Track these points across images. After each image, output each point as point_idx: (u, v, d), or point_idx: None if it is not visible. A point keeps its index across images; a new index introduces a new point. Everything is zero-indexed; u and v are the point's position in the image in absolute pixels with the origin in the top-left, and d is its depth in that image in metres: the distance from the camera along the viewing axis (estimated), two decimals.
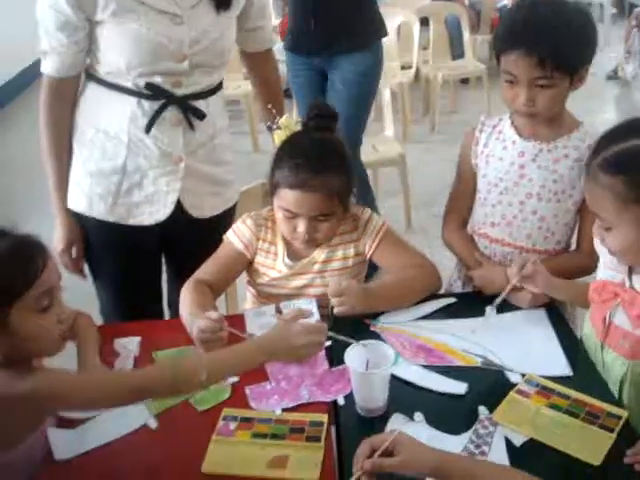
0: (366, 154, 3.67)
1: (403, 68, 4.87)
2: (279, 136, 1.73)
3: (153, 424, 1.42)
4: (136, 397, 1.33)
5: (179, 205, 1.88)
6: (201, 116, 1.83)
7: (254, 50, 2.05)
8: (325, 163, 1.65)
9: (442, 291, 1.84)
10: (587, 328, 1.56)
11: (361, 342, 1.43)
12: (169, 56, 1.74)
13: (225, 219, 1.97)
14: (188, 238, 1.93)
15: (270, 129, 1.80)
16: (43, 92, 1.82)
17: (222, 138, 1.94)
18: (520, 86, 1.62)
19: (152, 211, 1.86)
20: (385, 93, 3.71)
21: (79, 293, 1.62)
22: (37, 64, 1.82)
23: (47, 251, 1.32)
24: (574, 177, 1.70)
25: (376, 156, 3.66)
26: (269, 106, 1.87)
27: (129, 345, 1.65)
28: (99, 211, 1.86)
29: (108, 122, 1.81)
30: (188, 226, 1.91)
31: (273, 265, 1.79)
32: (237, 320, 1.67)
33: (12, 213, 3.18)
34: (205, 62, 1.80)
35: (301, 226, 1.67)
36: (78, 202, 1.88)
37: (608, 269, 1.49)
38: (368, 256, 1.79)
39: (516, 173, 1.75)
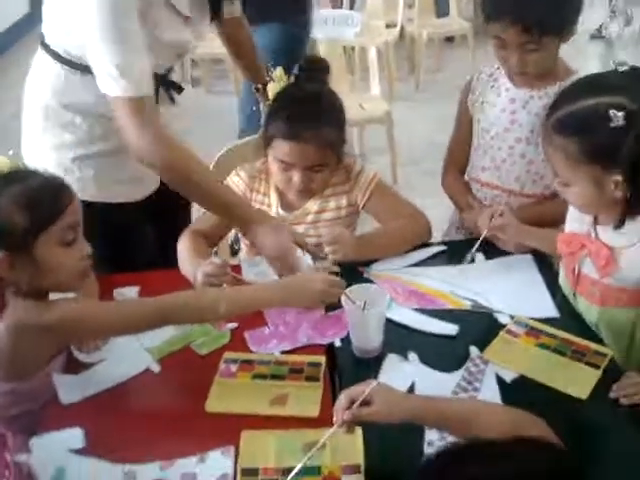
0: (353, 112, 3.70)
1: (388, 27, 4.86)
2: (273, 89, 1.75)
3: (156, 368, 1.46)
4: (158, 321, 1.39)
5: None
6: (180, 89, 1.86)
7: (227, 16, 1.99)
8: (319, 114, 1.68)
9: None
10: (562, 277, 1.61)
11: (357, 285, 1.48)
12: (177, 56, 1.80)
13: None
14: (178, 202, 1.88)
15: (257, 90, 1.82)
16: (152, 115, 1.60)
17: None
18: (510, 50, 1.66)
19: (143, 186, 1.88)
20: (371, 52, 3.71)
21: None
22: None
23: (72, 190, 1.38)
24: None
25: (363, 114, 3.68)
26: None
27: (128, 294, 1.69)
28: (91, 193, 1.80)
29: (96, 107, 1.71)
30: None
31: None
32: (235, 270, 1.71)
33: None
34: None
35: (296, 177, 1.70)
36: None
37: (574, 221, 1.53)
38: (360, 205, 1.82)
39: (507, 119, 1.80)
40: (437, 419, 1.10)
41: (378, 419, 1.12)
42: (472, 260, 1.70)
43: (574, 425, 1.25)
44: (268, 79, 1.76)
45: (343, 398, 1.14)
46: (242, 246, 1.97)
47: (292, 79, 1.76)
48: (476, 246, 1.67)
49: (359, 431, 1.24)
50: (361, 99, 3.77)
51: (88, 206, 1.82)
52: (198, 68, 5.30)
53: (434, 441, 1.23)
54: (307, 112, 1.67)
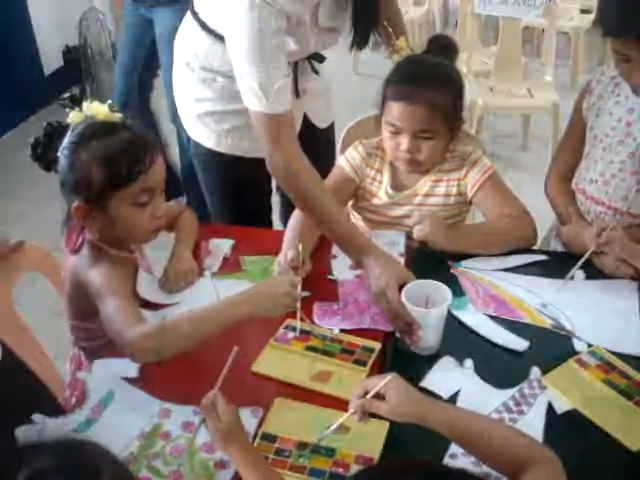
0: (518, 97, 3.54)
1: (583, 12, 4.54)
2: (395, 59, 1.73)
3: None
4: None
5: (305, 121, 1.97)
6: (322, 59, 1.89)
7: None
8: (433, 79, 1.65)
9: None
10: None
11: (421, 281, 1.44)
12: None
13: (333, 129, 2.15)
14: (310, 147, 1.85)
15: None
16: (286, 134, 1.62)
17: None
18: (634, 64, 1.50)
19: None
20: (551, 35, 3.49)
21: None
22: None
23: (158, 151, 1.42)
24: None
25: (528, 102, 3.50)
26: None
27: (222, 245, 1.76)
28: (226, 146, 1.93)
29: None
30: (311, 136, 1.95)
31: (376, 192, 1.82)
32: None
33: None
34: None
35: (404, 143, 1.68)
36: (205, 137, 1.94)
37: None
38: (469, 196, 1.76)
39: (622, 130, 1.66)
40: (447, 429, 1.06)
41: (386, 415, 1.10)
42: (572, 277, 1.59)
43: (613, 475, 1.16)
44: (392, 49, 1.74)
45: (360, 387, 1.13)
46: (351, 219, 1.98)
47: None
48: (579, 263, 1.56)
49: (385, 426, 1.23)
50: (530, 84, 3.58)
51: (221, 156, 1.95)
52: None
53: (457, 454, 1.19)
54: (421, 75, 1.66)
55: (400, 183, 1.80)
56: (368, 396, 1.11)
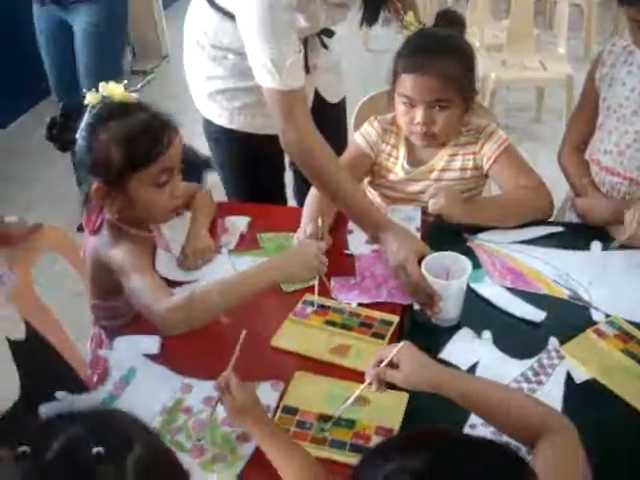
0: (532, 70, 3.50)
1: None
2: (405, 34, 1.72)
3: None
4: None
5: (316, 96, 1.96)
6: (331, 34, 1.88)
7: None
8: (445, 50, 1.65)
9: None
10: None
11: (440, 253, 1.44)
12: None
13: (345, 103, 2.14)
14: (321, 123, 1.85)
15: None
16: (299, 110, 1.62)
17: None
18: None
19: None
20: (563, 6, 3.45)
21: None
22: None
23: (175, 131, 1.42)
24: None
25: (541, 74, 3.47)
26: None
27: (238, 223, 1.77)
28: (239, 124, 1.93)
29: None
30: (323, 111, 1.94)
31: (392, 168, 1.82)
32: None
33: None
34: None
35: (418, 115, 1.67)
36: (217, 115, 1.95)
37: None
38: (485, 168, 1.76)
39: (636, 100, 1.64)
40: (461, 397, 1.07)
41: (401, 384, 1.11)
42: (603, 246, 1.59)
43: (631, 442, 1.17)
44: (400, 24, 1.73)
45: (375, 356, 1.14)
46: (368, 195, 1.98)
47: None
48: (622, 240, 1.53)
49: (405, 397, 1.24)
50: (543, 56, 3.54)
51: (233, 133, 1.96)
52: None
53: (477, 425, 1.20)
54: (432, 47, 1.66)
55: (416, 159, 1.80)
56: (382, 365, 1.12)
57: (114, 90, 1.38)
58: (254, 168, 2.03)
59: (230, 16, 1.69)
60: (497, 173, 1.76)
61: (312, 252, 1.38)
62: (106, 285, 1.50)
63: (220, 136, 2.00)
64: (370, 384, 1.14)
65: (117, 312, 1.53)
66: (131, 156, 1.36)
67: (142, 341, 1.42)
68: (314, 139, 1.62)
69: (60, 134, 1.42)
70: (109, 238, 1.45)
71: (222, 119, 1.94)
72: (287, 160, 2.04)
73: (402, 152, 1.80)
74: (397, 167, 1.81)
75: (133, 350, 1.40)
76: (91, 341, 1.66)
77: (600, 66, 1.73)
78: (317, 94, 1.99)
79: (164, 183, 1.42)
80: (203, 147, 2.23)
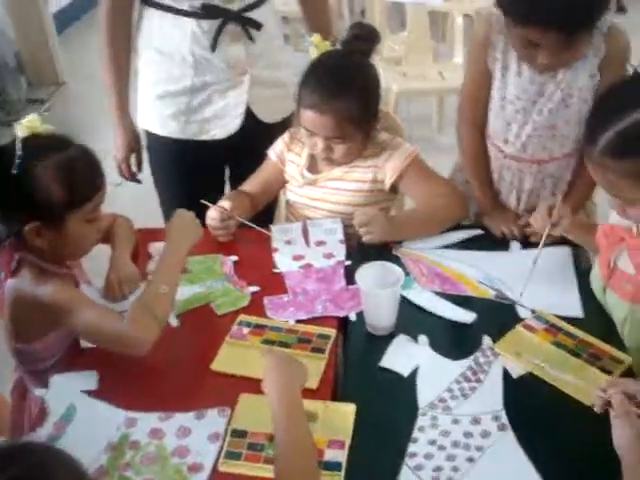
0: (432, 81, 3.63)
1: None
2: (312, 54, 1.75)
3: (174, 323, 1.51)
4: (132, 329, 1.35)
5: (249, 113, 1.93)
6: (258, 26, 1.87)
7: None
8: (342, 88, 1.67)
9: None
10: (594, 271, 1.54)
11: (372, 262, 1.47)
12: None
13: (291, 122, 1.98)
14: (258, 144, 1.91)
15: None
16: (103, 7, 1.87)
17: (278, 42, 2.01)
18: (540, 50, 1.51)
19: (224, 124, 1.93)
20: (457, 18, 3.60)
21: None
22: None
23: (102, 167, 1.41)
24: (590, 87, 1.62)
25: (441, 83, 3.59)
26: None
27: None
28: (172, 130, 1.94)
29: (170, 45, 1.85)
30: (260, 133, 1.93)
31: (294, 175, 1.86)
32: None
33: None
34: None
35: (319, 144, 1.72)
36: (151, 123, 1.96)
37: (617, 214, 1.41)
38: (390, 183, 1.77)
39: (535, 91, 1.64)
40: None
41: None
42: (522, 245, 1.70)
43: (572, 429, 1.23)
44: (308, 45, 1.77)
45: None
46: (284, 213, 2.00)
47: (337, 45, 1.75)
48: (540, 247, 1.56)
49: (352, 408, 1.26)
50: (442, 67, 3.67)
51: (167, 142, 1.95)
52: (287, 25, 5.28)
53: (425, 427, 1.23)
54: (329, 84, 1.67)
55: (317, 167, 1.84)
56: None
57: (33, 123, 1.33)
58: (189, 177, 2.01)
59: (165, 9, 1.78)
60: (408, 187, 1.79)
61: (190, 216, 1.55)
62: (31, 326, 1.43)
63: (153, 144, 2.00)
64: None
65: (44, 354, 1.46)
66: (72, 193, 1.33)
67: (79, 378, 1.38)
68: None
69: None
70: (31, 279, 1.38)
71: (156, 126, 1.96)
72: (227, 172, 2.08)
73: (304, 159, 1.84)
74: (297, 174, 1.85)
75: (71, 388, 1.35)
76: (13, 390, 1.58)
77: (491, 51, 1.66)
78: (249, 111, 1.93)
79: (95, 218, 1.39)
80: None
